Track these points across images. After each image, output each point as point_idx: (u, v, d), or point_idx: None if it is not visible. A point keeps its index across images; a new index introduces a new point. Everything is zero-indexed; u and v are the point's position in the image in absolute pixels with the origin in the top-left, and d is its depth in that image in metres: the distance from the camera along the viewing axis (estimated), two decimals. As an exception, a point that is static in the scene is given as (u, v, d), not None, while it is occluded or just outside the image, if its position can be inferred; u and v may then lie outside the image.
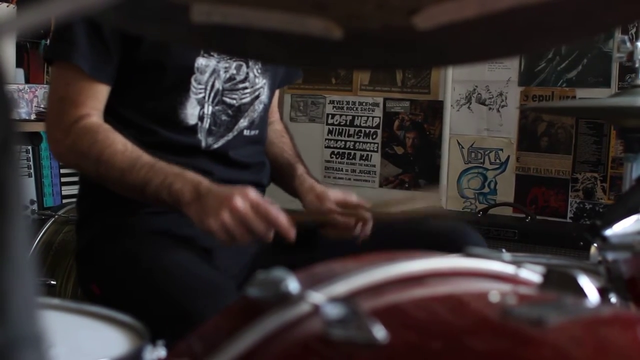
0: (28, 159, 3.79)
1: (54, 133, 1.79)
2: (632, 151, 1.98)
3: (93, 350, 0.97)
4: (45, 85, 3.88)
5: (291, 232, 1.59)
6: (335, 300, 0.62)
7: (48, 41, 3.61)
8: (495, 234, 3.21)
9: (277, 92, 2.10)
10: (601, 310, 0.63)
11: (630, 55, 2.07)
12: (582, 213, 3.53)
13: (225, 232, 1.59)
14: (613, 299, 1.08)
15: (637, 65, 2.06)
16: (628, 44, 2.06)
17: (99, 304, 1.75)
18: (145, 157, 1.70)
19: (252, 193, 1.61)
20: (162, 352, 0.95)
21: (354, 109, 4.13)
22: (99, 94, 1.78)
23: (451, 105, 3.85)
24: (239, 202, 1.58)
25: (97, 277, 1.79)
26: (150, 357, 0.95)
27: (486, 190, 3.80)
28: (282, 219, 1.59)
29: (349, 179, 4.13)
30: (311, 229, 1.90)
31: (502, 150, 3.75)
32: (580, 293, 0.70)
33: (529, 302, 0.64)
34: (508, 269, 0.77)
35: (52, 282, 2.47)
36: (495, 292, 0.65)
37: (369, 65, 1.18)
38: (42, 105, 3.83)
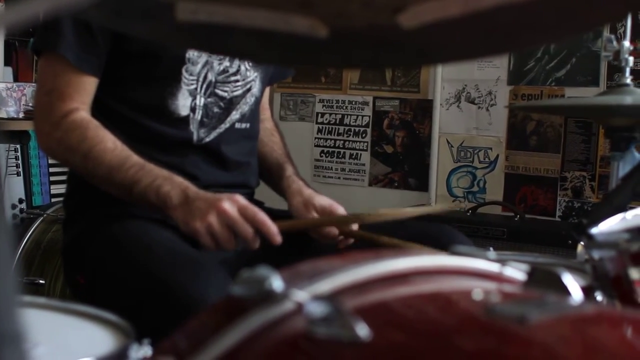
0: (17, 158, 3.78)
1: (43, 125, 1.79)
2: (618, 150, 1.98)
3: (79, 348, 0.97)
4: (33, 84, 3.87)
5: (278, 238, 1.58)
6: (318, 298, 0.62)
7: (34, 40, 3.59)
8: (484, 233, 3.22)
9: (267, 89, 2.10)
10: (584, 308, 0.63)
11: (617, 54, 2.08)
12: (571, 212, 3.55)
13: (210, 235, 1.58)
14: (599, 297, 1.09)
15: (623, 64, 2.07)
16: (615, 43, 2.06)
17: (83, 294, 1.76)
18: (135, 157, 1.69)
19: (241, 198, 1.61)
20: (148, 350, 0.95)
21: (344, 107, 4.13)
22: (87, 86, 1.77)
23: (440, 104, 3.86)
24: (227, 206, 1.58)
25: (82, 267, 1.79)
26: (136, 356, 0.94)
27: (475, 189, 3.80)
28: (270, 224, 1.58)
29: (339, 178, 4.13)
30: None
31: (491, 149, 3.76)
32: (564, 291, 0.70)
33: (512, 299, 0.65)
34: (493, 267, 0.78)
35: (41, 281, 2.46)
36: (479, 290, 0.65)
37: (355, 64, 1.18)
38: (30, 104, 3.83)
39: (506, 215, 3.56)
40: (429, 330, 0.59)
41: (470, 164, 3.81)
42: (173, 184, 1.65)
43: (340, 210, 1.86)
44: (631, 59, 2.11)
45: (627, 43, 2.10)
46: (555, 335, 0.56)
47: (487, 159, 3.77)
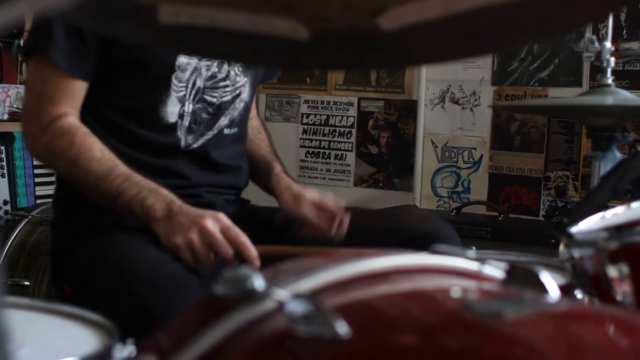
0: (1, 160, 3.77)
1: (31, 129, 1.78)
2: (599, 149, 2.00)
3: (63, 349, 0.98)
4: (18, 85, 3.86)
5: (256, 263, 1.58)
6: (299, 297, 0.63)
7: (22, 40, 3.59)
8: (469, 232, 3.23)
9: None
10: (559, 305, 0.64)
11: (599, 54, 2.10)
12: (555, 211, 3.56)
13: (190, 250, 1.59)
14: (579, 294, 1.10)
15: (605, 64, 2.09)
16: (596, 44, 2.08)
17: (70, 303, 1.76)
18: (122, 167, 1.70)
19: (224, 218, 1.61)
20: (131, 350, 0.96)
21: (329, 108, 4.14)
22: (76, 91, 1.77)
23: (425, 105, 3.87)
24: (210, 224, 1.58)
25: (68, 276, 1.80)
26: (120, 355, 0.95)
27: (460, 189, 3.82)
28: (250, 248, 1.58)
29: (324, 178, 4.14)
30: (287, 226, 1.92)
31: (475, 149, 3.77)
32: (542, 289, 0.71)
33: (490, 297, 0.66)
34: (472, 265, 0.79)
35: (26, 283, 2.46)
36: (457, 288, 0.66)
37: (336, 65, 1.18)
38: (14, 105, 3.82)
39: (490, 214, 3.57)
40: (406, 327, 0.60)
41: (455, 164, 3.83)
42: (158, 197, 1.66)
43: (330, 202, 1.87)
44: (612, 59, 2.13)
45: (608, 44, 2.12)
46: (528, 331, 0.57)
47: (471, 159, 3.79)
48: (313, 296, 0.63)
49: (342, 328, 0.58)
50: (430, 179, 3.88)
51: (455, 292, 0.65)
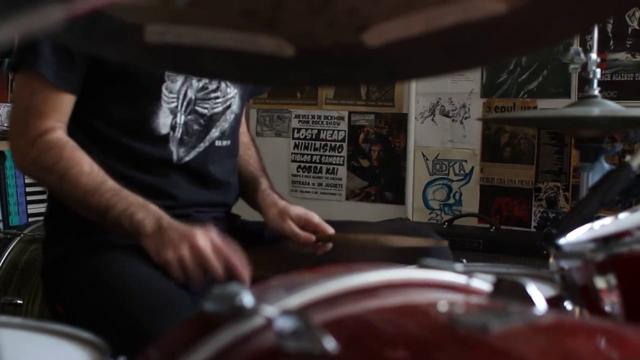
0: (-7, 178, 3.77)
1: (18, 143, 1.78)
2: (587, 160, 2.01)
3: (54, 367, 0.98)
4: (8, 104, 3.86)
5: (246, 283, 1.57)
6: (287, 313, 0.63)
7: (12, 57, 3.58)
8: (460, 245, 3.24)
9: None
10: (545, 318, 0.65)
11: (585, 66, 2.11)
12: (546, 222, 3.57)
13: (181, 266, 1.58)
14: (569, 305, 1.11)
15: (591, 76, 2.10)
16: (582, 55, 2.09)
17: (62, 321, 1.76)
18: (110, 182, 1.69)
19: (215, 235, 1.61)
20: (123, 368, 0.96)
21: (320, 122, 4.15)
22: (64, 105, 1.77)
23: (415, 118, 3.88)
24: (201, 240, 1.58)
25: (60, 295, 1.79)
26: (111, 373, 0.95)
27: (451, 201, 3.83)
28: (241, 267, 1.57)
29: (316, 193, 4.14)
30: (277, 240, 1.92)
31: (466, 161, 3.79)
32: (529, 301, 0.72)
33: (476, 310, 0.66)
34: (460, 279, 0.79)
35: (19, 301, 2.45)
36: (444, 302, 0.67)
37: (323, 81, 1.19)
38: (5, 124, 3.81)
39: (482, 226, 3.58)
40: (395, 342, 0.60)
41: (446, 176, 3.84)
42: (147, 212, 1.65)
43: (315, 218, 1.89)
44: (598, 70, 2.14)
45: (594, 55, 2.13)
46: (518, 344, 0.57)
47: (462, 171, 3.80)
48: (301, 312, 0.63)
49: (330, 343, 0.59)
50: (422, 191, 3.89)
51: (443, 306, 0.66)
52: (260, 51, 0.77)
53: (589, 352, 0.57)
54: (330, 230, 1.88)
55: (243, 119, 2.12)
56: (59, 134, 1.74)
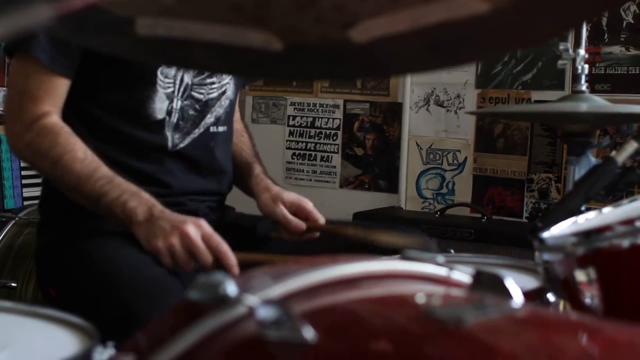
0: (-12, 161, 3.77)
1: (13, 126, 1.78)
2: (575, 154, 2.03)
3: (44, 351, 1.00)
4: (4, 88, 3.86)
5: (235, 270, 1.60)
6: (269, 302, 0.65)
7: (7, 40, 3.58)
8: (452, 234, 3.26)
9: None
10: (520, 311, 0.66)
11: (574, 61, 2.13)
12: (538, 213, 3.60)
13: (170, 255, 1.61)
14: (552, 298, 1.13)
15: (579, 71, 2.12)
16: (570, 51, 2.11)
17: (55, 306, 1.78)
18: (104, 169, 1.70)
19: (205, 225, 1.63)
20: (112, 352, 0.98)
21: (315, 110, 4.16)
22: (59, 89, 1.78)
23: (410, 107, 3.89)
24: (192, 230, 1.60)
25: (53, 279, 1.81)
26: (100, 358, 0.97)
27: (444, 190, 3.85)
28: (230, 256, 1.60)
29: (310, 180, 4.16)
30: (269, 235, 1.94)
31: (459, 151, 3.80)
32: (506, 294, 0.74)
33: (452, 302, 0.68)
34: (441, 271, 0.81)
35: (13, 284, 2.47)
36: (421, 294, 0.68)
37: (310, 75, 1.21)
38: (1, 108, 3.82)
39: (474, 216, 3.60)
40: (371, 332, 0.62)
41: (439, 166, 3.86)
42: (140, 201, 1.67)
43: (309, 205, 1.90)
44: (586, 66, 2.16)
45: (582, 51, 2.15)
46: (491, 336, 0.59)
47: (455, 161, 3.81)
48: (282, 302, 0.65)
49: (308, 333, 0.61)
50: (415, 180, 3.91)
51: (420, 298, 0.68)
52: (249, 45, 0.79)
53: (561, 343, 0.59)
54: (322, 220, 1.90)
55: (237, 106, 2.13)
56: (54, 118, 1.75)
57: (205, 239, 1.60)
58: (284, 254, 1.75)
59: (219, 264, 1.60)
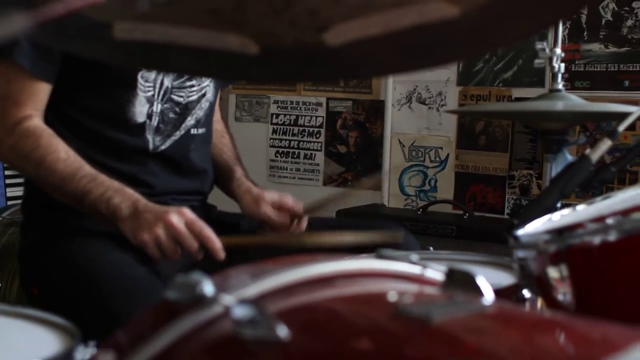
0: (-30, 161, 3.76)
1: None
2: (551, 152, 2.05)
3: (25, 351, 1.01)
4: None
5: (221, 254, 1.63)
6: (245, 302, 0.67)
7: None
8: (434, 231, 3.28)
9: (215, 92, 2.13)
10: (489, 308, 0.68)
11: (550, 60, 2.15)
12: (519, 209, 3.62)
13: (157, 246, 1.63)
14: (527, 294, 1.15)
15: (556, 70, 2.14)
16: (547, 50, 2.13)
17: (38, 306, 1.78)
18: (87, 168, 1.72)
19: (188, 212, 1.65)
20: (93, 351, 0.99)
21: (298, 108, 4.17)
22: (41, 93, 1.79)
23: (392, 105, 3.91)
24: (175, 219, 1.62)
25: (36, 279, 1.82)
26: (81, 357, 0.98)
27: (427, 187, 3.87)
28: (215, 240, 1.63)
29: (294, 178, 4.18)
30: (252, 231, 1.96)
31: (441, 148, 3.82)
32: (477, 291, 0.76)
33: (422, 300, 0.70)
34: (414, 269, 0.83)
35: (-4, 284, 2.47)
36: (393, 292, 0.70)
37: (285, 78, 1.22)
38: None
39: (456, 213, 3.63)
40: (342, 330, 0.64)
41: (422, 163, 3.88)
42: (124, 196, 1.68)
43: (289, 200, 1.92)
44: (563, 65, 2.18)
45: (558, 50, 2.17)
46: (459, 333, 0.61)
47: (437, 158, 3.84)
48: (257, 301, 0.67)
49: (282, 331, 0.62)
50: (398, 178, 3.93)
51: (392, 297, 0.69)
52: (227, 49, 0.80)
53: (525, 338, 0.61)
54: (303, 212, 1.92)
55: (217, 107, 2.15)
56: (36, 121, 1.77)
57: (189, 225, 1.62)
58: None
59: (205, 249, 1.62)
